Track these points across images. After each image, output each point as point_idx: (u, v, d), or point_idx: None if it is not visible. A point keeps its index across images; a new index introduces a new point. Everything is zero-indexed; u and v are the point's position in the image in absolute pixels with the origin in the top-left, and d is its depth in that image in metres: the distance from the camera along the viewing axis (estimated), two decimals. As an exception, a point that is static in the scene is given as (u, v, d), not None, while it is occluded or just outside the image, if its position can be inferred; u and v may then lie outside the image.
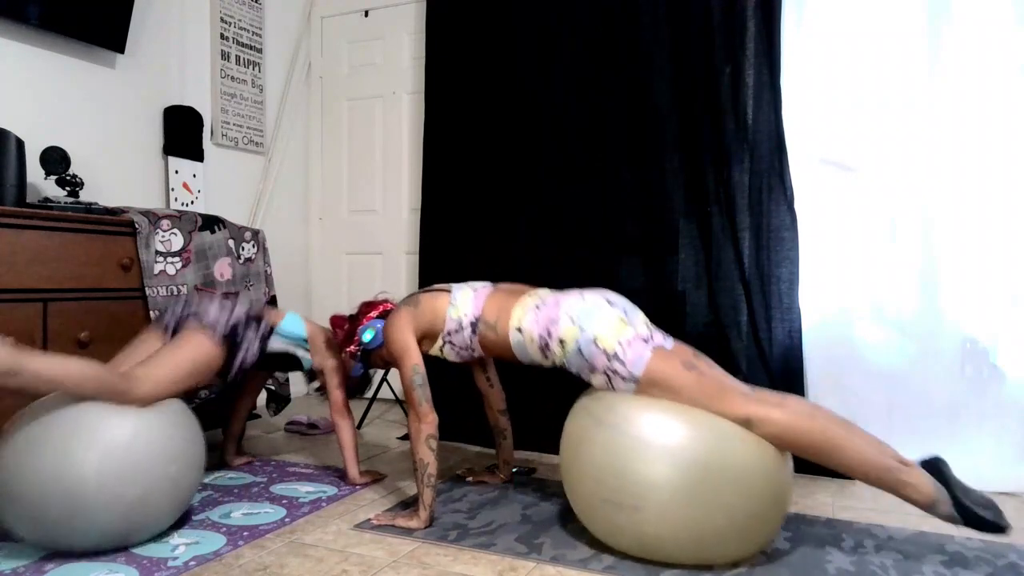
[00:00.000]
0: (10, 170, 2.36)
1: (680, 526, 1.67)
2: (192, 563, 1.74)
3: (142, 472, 1.75)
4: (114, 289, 2.45)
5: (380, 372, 3.00)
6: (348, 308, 2.59)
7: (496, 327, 2.03)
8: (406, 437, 3.13)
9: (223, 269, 2.78)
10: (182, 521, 2.02)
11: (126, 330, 2.44)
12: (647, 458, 1.68)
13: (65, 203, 2.46)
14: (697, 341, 2.71)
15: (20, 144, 2.41)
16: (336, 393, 2.41)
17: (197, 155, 3.40)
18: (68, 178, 2.52)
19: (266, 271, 3.01)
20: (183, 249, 2.65)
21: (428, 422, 1.98)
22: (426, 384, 2.01)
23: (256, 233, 3.00)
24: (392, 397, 3.71)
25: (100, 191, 2.95)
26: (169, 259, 2.60)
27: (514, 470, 2.56)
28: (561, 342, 1.89)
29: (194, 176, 3.37)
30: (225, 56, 3.57)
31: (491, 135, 3.28)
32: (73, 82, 2.88)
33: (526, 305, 1.99)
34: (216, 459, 2.62)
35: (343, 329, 2.32)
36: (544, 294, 2.02)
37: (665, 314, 2.75)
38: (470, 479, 2.45)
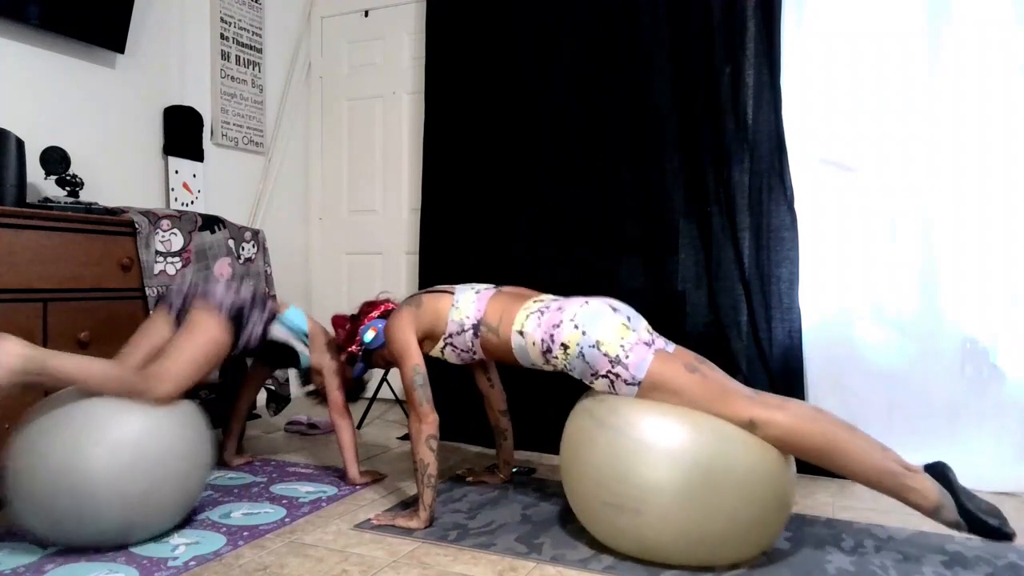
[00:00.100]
0: (10, 170, 2.36)
1: (682, 529, 1.66)
2: (192, 563, 1.74)
3: (149, 469, 1.77)
4: (114, 289, 2.45)
5: (372, 380, 2.98)
6: (348, 308, 2.59)
7: (498, 330, 2.02)
8: (406, 437, 3.13)
9: (223, 269, 2.78)
10: (182, 521, 2.02)
11: (126, 330, 2.44)
12: (649, 461, 1.67)
13: (65, 203, 2.46)
14: (697, 341, 2.72)
15: (20, 144, 2.41)
16: (336, 393, 2.41)
17: (197, 155, 3.40)
18: (68, 178, 2.52)
19: (266, 271, 3.01)
20: (183, 249, 2.65)
21: (429, 422, 1.98)
22: (427, 384, 2.01)
23: (256, 233, 3.00)
24: (392, 397, 3.71)
25: (100, 191, 2.95)
26: (169, 259, 2.60)
27: (514, 470, 2.56)
28: (564, 347, 1.89)
29: (194, 176, 3.37)
30: (225, 56, 3.57)
31: (491, 135, 3.28)
32: (73, 82, 2.89)
33: (529, 309, 1.99)
34: (216, 459, 2.61)
35: (345, 329, 2.32)
36: (547, 299, 2.02)
37: (665, 314, 2.75)
38: (470, 479, 2.45)
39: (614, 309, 1.90)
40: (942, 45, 2.59)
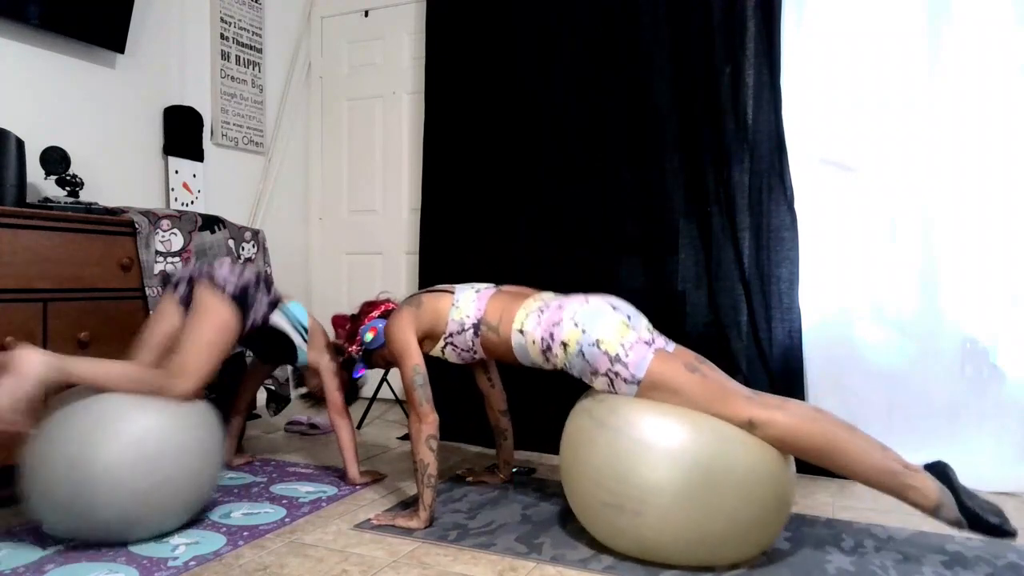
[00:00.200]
0: (10, 170, 2.36)
1: (682, 530, 1.66)
2: (192, 563, 1.74)
3: (162, 465, 1.79)
4: (114, 289, 2.45)
5: (371, 380, 2.98)
6: (348, 308, 2.59)
7: (498, 329, 2.02)
8: (406, 437, 3.13)
9: (223, 269, 2.78)
10: (186, 520, 2.01)
11: (126, 330, 2.44)
12: (648, 461, 1.67)
13: (65, 203, 2.46)
14: (697, 341, 2.72)
15: (20, 144, 2.41)
16: (335, 394, 2.41)
17: (197, 155, 3.40)
18: (68, 178, 2.52)
19: (266, 271, 3.01)
20: (183, 249, 2.65)
21: (429, 422, 1.98)
22: (427, 384, 2.01)
23: (256, 233, 3.00)
24: (392, 397, 3.71)
25: (100, 191, 2.95)
26: (169, 259, 2.60)
27: (514, 470, 2.56)
28: (564, 345, 1.89)
29: (194, 176, 3.37)
30: (225, 56, 3.57)
31: (491, 135, 3.28)
32: (73, 82, 2.89)
33: (529, 308, 1.99)
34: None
35: (345, 329, 2.32)
36: (547, 297, 2.02)
37: (665, 314, 2.75)
38: (470, 479, 2.45)
39: (614, 307, 1.90)
40: (942, 45, 2.59)
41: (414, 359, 2.03)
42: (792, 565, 1.76)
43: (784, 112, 2.73)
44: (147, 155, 3.20)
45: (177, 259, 2.62)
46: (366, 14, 3.99)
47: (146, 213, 2.57)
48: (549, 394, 2.75)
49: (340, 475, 2.50)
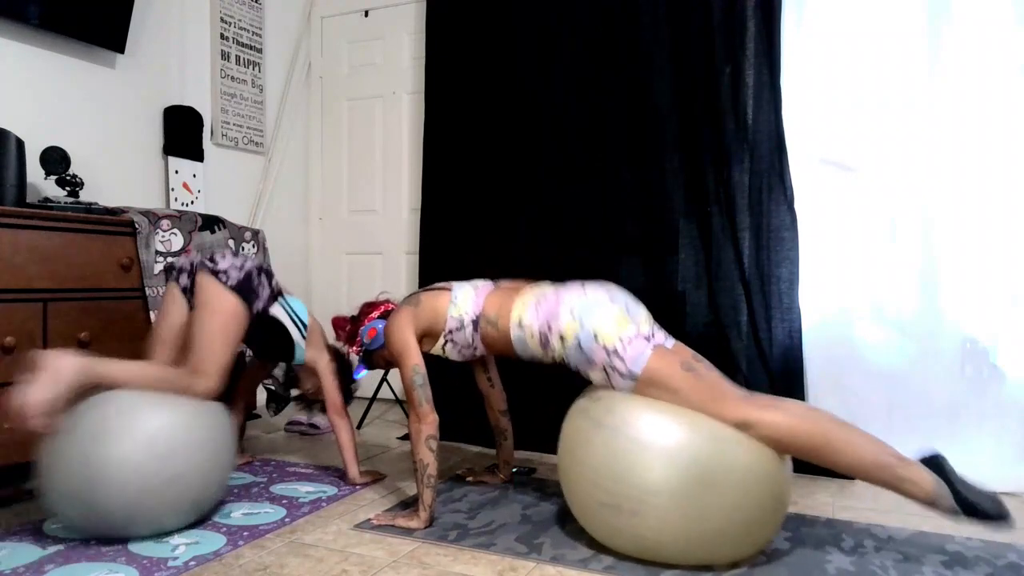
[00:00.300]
0: (10, 170, 2.36)
1: (679, 529, 1.66)
2: (192, 563, 1.74)
3: (173, 463, 1.82)
4: (114, 289, 2.46)
5: (358, 389, 2.95)
6: (348, 308, 2.59)
7: (497, 323, 2.03)
8: (406, 437, 3.13)
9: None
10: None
11: (126, 330, 2.45)
12: (645, 461, 1.67)
13: (65, 203, 2.46)
14: (697, 341, 2.72)
15: (20, 144, 2.41)
16: (334, 393, 2.40)
17: (197, 155, 3.40)
18: (68, 178, 2.52)
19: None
20: (183, 249, 2.65)
21: (428, 423, 1.98)
22: (427, 384, 2.01)
23: (256, 233, 3.01)
24: (392, 397, 3.71)
25: (100, 191, 2.95)
26: (169, 259, 2.60)
27: (514, 470, 2.56)
28: (561, 338, 1.88)
29: (194, 176, 3.37)
30: (225, 56, 3.57)
31: (491, 135, 3.28)
32: (73, 82, 2.89)
33: (527, 300, 1.99)
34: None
35: (345, 330, 2.32)
36: (545, 288, 2.02)
37: (665, 314, 2.74)
38: (470, 479, 2.45)
39: (612, 298, 1.90)
40: (942, 45, 2.59)
41: (413, 359, 2.03)
42: (792, 565, 1.76)
43: (784, 112, 2.73)
44: (147, 155, 3.20)
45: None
46: (366, 14, 3.99)
47: (146, 213, 2.57)
48: (549, 394, 2.75)
49: (340, 475, 2.50)
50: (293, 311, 2.39)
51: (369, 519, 2.04)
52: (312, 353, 2.42)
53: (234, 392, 2.66)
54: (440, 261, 3.40)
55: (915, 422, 2.58)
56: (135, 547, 1.83)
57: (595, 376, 1.86)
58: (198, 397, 1.96)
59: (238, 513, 2.10)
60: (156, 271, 2.55)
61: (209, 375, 2.00)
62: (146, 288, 2.52)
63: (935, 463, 1.67)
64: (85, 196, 2.74)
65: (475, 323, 2.07)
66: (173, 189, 3.27)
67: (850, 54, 2.71)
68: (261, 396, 3.01)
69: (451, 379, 2.90)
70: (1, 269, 2.13)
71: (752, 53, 2.78)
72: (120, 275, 2.47)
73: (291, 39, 4.02)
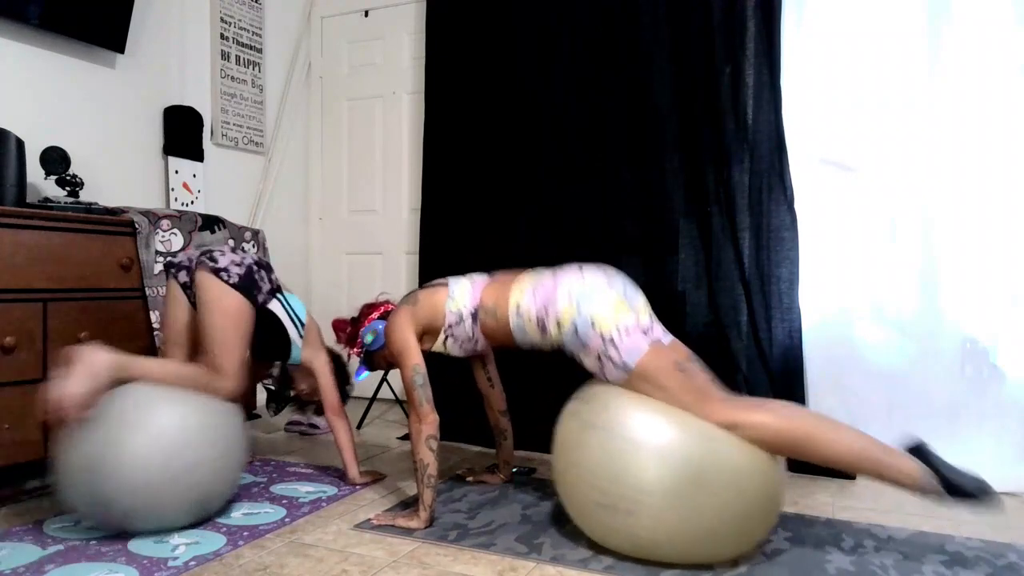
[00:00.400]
0: (10, 170, 2.36)
1: (674, 528, 1.67)
2: (192, 563, 1.74)
3: (184, 460, 1.85)
4: (114, 289, 2.46)
5: (353, 390, 2.94)
6: (348, 308, 2.59)
7: (496, 313, 2.03)
8: (406, 437, 3.13)
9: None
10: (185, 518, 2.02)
11: (126, 330, 2.45)
12: (639, 461, 1.68)
13: (65, 203, 2.46)
14: (697, 341, 2.72)
15: (20, 144, 2.41)
16: (331, 393, 2.39)
17: (197, 155, 3.40)
18: (68, 178, 2.52)
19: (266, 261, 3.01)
20: (183, 249, 2.65)
21: (429, 423, 1.98)
22: (427, 384, 2.01)
23: (256, 233, 3.01)
24: (392, 397, 3.71)
25: (100, 191, 2.95)
26: (169, 259, 2.60)
27: (514, 470, 2.56)
28: (558, 323, 1.89)
29: (194, 176, 3.37)
30: (225, 56, 3.57)
31: (491, 135, 3.28)
32: (73, 82, 2.89)
33: (524, 286, 2.00)
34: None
35: (345, 332, 2.32)
36: (542, 273, 2.02)
37: (665, 314, 2.74)
38: (470, 479, 2.45)
39: (609, 283, 1.90)
40: (942, 45, 2.59)
41: (414, 359, 2.03)
42: (792, 565, 1.76)
43: (784, 112, 2.73)
44: (147, 155, 3.20)
45: (177, 259, 2.62)
46: (366, 14, 3.99)
47: (146, 213, 2.57)
48: (549, 394, 2.74)
49: (340, 475, 2.50)
50: (291, 309, 2.38)
51: (369, 519, 2.04)
52: (308, 352, 2.42)
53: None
54: (440, 261, 3.40)
55: (915, 422, 2.57)
56: (135, 547, 1.83)
57: (588, 362, 1.86)
58: (220, 397, 2.01)
59: (238, 513, 2.10)
60: (156, 271, 2.55)
61: (227, 376, 2.04)
62: (146, 288, 2.52)
63: (919, 451, 1.71)
64: (85, 196, 2.74)
65: (474, 315, 2.07)
66: (173, 189, 3.27)
67: (850, 54, 2.71)
68: (261, 396, 3.00)
69: (451, 379, 2.90)
70: (1, 269, 2.13)
71: (752, 53, 2.78)
72: (120, 275, 2.47)
73: (291, 39, 4.02)
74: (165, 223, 2.60)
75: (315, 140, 4.14)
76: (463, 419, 2.97)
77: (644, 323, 1.84)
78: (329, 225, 4.14)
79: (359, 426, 3.35)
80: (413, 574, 1.70)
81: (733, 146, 2.80)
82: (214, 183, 3.51)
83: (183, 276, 2.19)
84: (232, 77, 3.61)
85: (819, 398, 2.68)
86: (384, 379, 3.52)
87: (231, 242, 2.84)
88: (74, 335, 2.31)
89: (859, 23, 2.70)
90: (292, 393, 2.54)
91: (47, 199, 2.48)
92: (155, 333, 2.53)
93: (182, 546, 1.84)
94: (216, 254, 2.18)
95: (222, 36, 3.55)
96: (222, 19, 3.54)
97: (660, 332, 1.85)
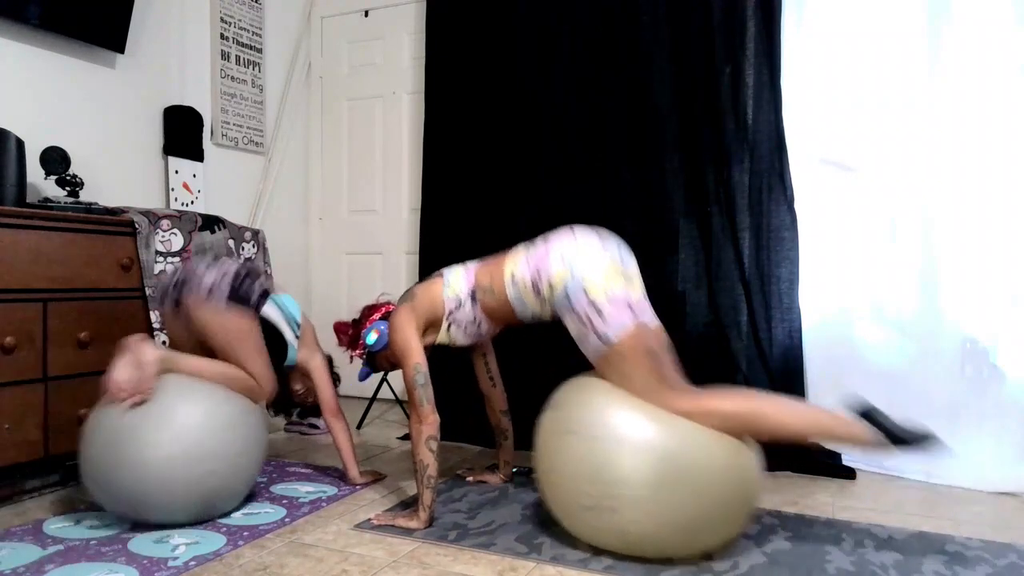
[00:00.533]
0: (10, 170, 2.36)
1: (658, 517, 1.69)
2: (192, 563, 1.74)
3: (207, 453, 1.92)
4: (114, 289, 2.45)
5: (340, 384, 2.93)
6: (348, 308, 2.59)
7: (492, 289, 2.04)
8: (407, 437, 3.13)
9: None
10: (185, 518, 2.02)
11: (126, 330, 2.44)
12: (613, 456, 1.70)
13: (65, 203, 2.46)
14: (697, 341, 2.72)
15: (20, 144, 2.41)
16: (328, 393, 2.39)
17: (197, 155, 3.40)
18: (68, 178, 2.52)
19: (266, 271, 3.01)
20: (183, 249, 2.65)
21: (429, 423, 1.98)
22: (428, 384, 2.01)
23: (256, 233, 3.01)
24: (392, 397, 3.71)
25: (100, 191, 2.95)
26: (169, 259, 2.60)
27: (514, 470, 2.56)
28: (551, 285, 1.90)
29: (194, 176, 3.37)
30: (225, 56, 3.57)
31: (491, 135, 3.28)
32: (73, 82, 2.88)
33: (517, 257, 2.02)
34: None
35: (347, 334, 2.32)
36: (535, 242, 2.03)
37: (665, 314, 2.74)
38: (470, 479, 2.45)
39: (604, 245, 1.91)
40: (942, 45, 2.59)
41: (415, 358, 2.03)
42: (792, 565, 1.76)
43: (784, 112, 2.73)
44: (147, 155, 3.20)
45: (177, 259, 2.62)
46: (366, 14, 3.99)
47: (146, 213, 2.57)
48: (549, 394, 2.75)
49: (340, 475, 2.50)
50: (286, 310, 2.38)
51: (369, 519, 2.04)
52: (304, 353, 2.41)
53: None
54: (440, 261, 3.37)
55: (915, 422, 2.57)
56: (135, 547, 1.83)
57: (571, 323, 1.88)
58: (258, 400, 2.13)
59: (238, 513, 2.10)
60: (156, 271, 2.55)
61: (265, 381, 2.13)
62: (146, 288, 2.52)
63: (866, 414, 1.78)
64: (85, 196, 2.74)
65: (472, 296, 2.08)
66: (173, 189, 3.27)
67: (850, 54, 2.71)
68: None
69: (451, 379, 2.90)
70: (1, 269, 2.13)
71: (752, 53, 2.78)
72: (120, 275, 2.47)
73: (291, 39, 4.02)
74: (165, 223, 2.60)
75: (315, 140, 4.14)
76: (463, 419, 2.97)
77: (634, 297, 1.85)
78: (329, 225, 4.14)
79: (359, 426, 3.35)
80: (413, 574, 1.70)
81: (733, 146, 2.80)
82: (214, 183, 3.51)
83: (168, 303, 2.13)
84: (232, 77, 3.61)
85: (819, 398, 2.68)
86: (384, 379, 3.52)
87: (231, 242, 2.84)
88: (74, 335, 2.31)
89: (859, 23, 2.70)
90: (296, 402, 2.52)
91: (47, 199, 2.48)
92: (155, 333, 2.53)
93: (182, 546, 1.84)
94: (199, 271, 2.09)
95: (222, 36, 3.55)
96: (222, 19, 3.54)
97: (649, 315, 1.86)
